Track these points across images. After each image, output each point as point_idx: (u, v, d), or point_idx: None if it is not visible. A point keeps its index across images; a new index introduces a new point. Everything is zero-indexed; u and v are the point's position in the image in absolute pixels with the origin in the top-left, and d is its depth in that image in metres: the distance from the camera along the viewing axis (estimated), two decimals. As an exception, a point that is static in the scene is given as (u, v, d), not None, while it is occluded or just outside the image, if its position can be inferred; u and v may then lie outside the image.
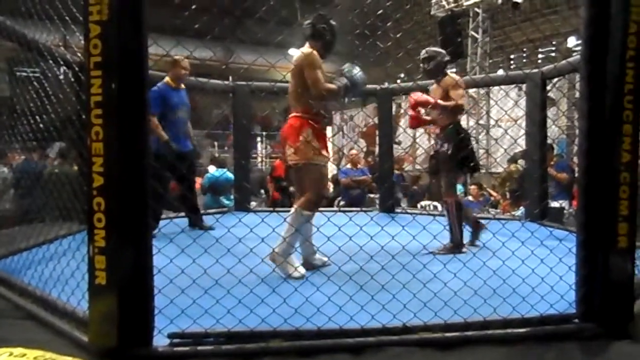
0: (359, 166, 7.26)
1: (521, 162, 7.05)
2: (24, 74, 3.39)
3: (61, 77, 3.48)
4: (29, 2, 2.44)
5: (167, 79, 4.26)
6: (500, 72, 10.50)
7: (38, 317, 2.05)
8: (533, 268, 2.27)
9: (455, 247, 3.25)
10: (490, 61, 11.07)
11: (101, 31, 1.57)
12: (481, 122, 10.34)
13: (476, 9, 10.66)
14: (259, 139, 15.33)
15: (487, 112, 9.56)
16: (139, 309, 1.71)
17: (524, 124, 4.98)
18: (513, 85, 6.25)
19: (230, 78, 7.05)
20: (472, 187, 8.11)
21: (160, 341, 1.74)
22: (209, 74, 6.58)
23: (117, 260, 1.68)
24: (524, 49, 12.41)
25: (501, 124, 8.14)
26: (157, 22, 1.87)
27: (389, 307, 1.99)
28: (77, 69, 3.27)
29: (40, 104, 3.04)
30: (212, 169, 7.16)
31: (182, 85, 4.35)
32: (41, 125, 3.13)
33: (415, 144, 10.71)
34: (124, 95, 1.61)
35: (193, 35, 2.30)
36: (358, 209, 5.61)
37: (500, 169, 8.57)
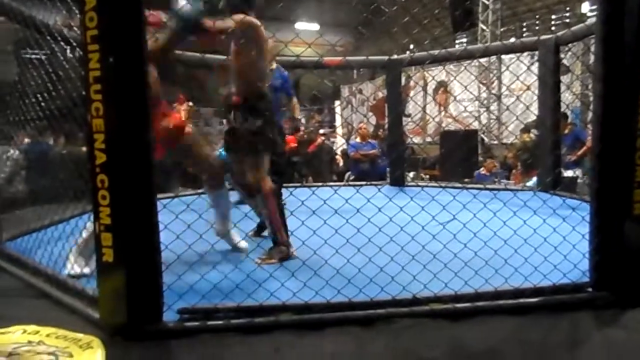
0: (367, 139, 7.20)
1: (534, 131, 6.94)
2: (31, 56, 3.36)
3: (65, 56, 3.45)
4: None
5: None
6: (512, 39, 10.27)
7: (50, 295, 2.07)
8: (545, 237, 2.23)
9: (282, 246, 2.61)
10: (503, 29, 10.80)
11: (96, 3, 1.53)
12: (493, 91, 10.17)
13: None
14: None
15: (499, 80, 9.38)
16: (147, 286, 1.71)
17: (537, 92, 4.87)
18: (526, 53, 6.10)
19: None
20: (488, 160, 8.01)
21: (170, 317, 1.74)
22: (216, 50, 6.49)
23: (124, 237, 1.67)
24: (537, 15, 12.09)
25: (513, 92, 8.00)
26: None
27: (398, 279, 1.97)
28: (76, 45, 3.24)
29: (47, 85, 3.02)
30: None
31: (272, 66, 4.20)
32: (49, 106, 3.12)
33: (426, 116, 10.61)
34: (123, 69, 1.58)
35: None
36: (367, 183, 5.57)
37: (512, 139, 8.45)
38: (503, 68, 8.87)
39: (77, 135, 4.41)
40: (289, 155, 8.81)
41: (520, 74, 4.52)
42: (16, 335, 1.73)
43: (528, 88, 4.63)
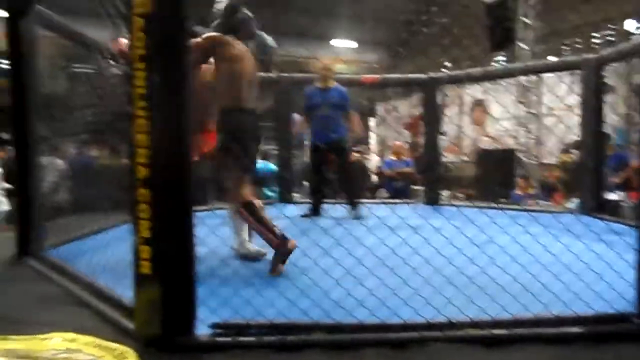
0: (402, 157, 7.15)
1: (575, 152, 6.75)
2: (78, 70, 3.50)
3: (111, 72, 3.58)
4: (83, 1, 2.51)
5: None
6: (552, 58, 10.06)
7: (88, 303, 2.12)
8: (588, 263, 2.15)
9: (279, 249, 2.58)
10: (543, 47, 10.59)
11: (144, 24, 1.59)
12: (531, 110, 9.95)
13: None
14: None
15: (538, 100, 9.18)
16: (182, 299, 1.74)
17: (578, 112, 4.74)
18: (567, 72, 5.97)
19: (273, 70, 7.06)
20: (521, 180, 7.83)
21: (202, 331, 1.75)
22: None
23: (161, 250, 1.70)
24: (578, 34, 11.82)
25: (553, 111, 7.82)
26: (199, 15, 1.88)
27: (433, 302, 1.93)
28: (123, 63, 3.36)
29: (93, 98, 3.14)
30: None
31: (331, 84, 4.66)
32: (94, 120, 3.23)
33: (462, 135, 10.47)
34: (167, 87, 1.62)
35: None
36: (402, 200, 5.52)
37: (552, 160, 8.23)
38: (543, 87, 8.69)
39: (118, 148, 4.54)
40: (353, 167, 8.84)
41: (562, 95, 4.41)
42: (55, 341, 1.78)
43: (570, 108, 4.52)
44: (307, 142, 4.07)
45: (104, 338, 1.78)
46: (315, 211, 4.66)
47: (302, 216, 4.42)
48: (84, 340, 1.78)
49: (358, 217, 4.36)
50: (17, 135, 3.06)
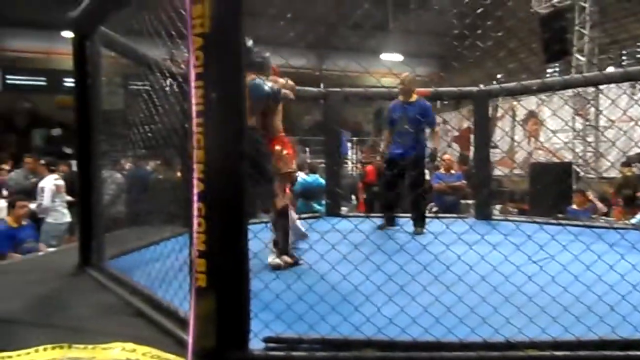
0: (452, 171, 7.01)
1: (638, 165, 6.42)
2: (136, 87, 3.65)
3: (167, 89, 3.71)
4: (140, 21, 2.62)
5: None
6: (611, 69, 9.65)
7: (145, 314, 2.18)
8: (658, 284, 2.03)
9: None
10: (601, 57, 10.19)
11: (203, 43, 1.64)
12: (589, 122, 9.57)
13: (582, 3, 9.90)
14: (349, 144, 15.38)
15: (598, 111, 8.81)
16: (236, 312, 1.75)
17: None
18: (628, 83, 5.71)
19: (322, 85, 7.14)
20: (577, 194, 7.49)
21: (255, 344, 1.76)
22: (303, 81, 6.73)
23: (217, 263, 1.73)
24: (638, 43, 11.29)
25: (613, 123, 7.47)
26: (254, 33, 1.92)
27: (491, 321, 1.87)
28: (181, 80, 3.48)
29: (150, 114, 3.26)
30: (302, 175, 7.28)
31: (413, 98, 4.69)
32: (150, 134, 3.35)
33: (514, 148, 10.18)
34: (224, 104, 1.66)
35: (288, 44, 2.33)
36: (453, 215, 5.40)
37: (613, 174, 7.85)
38: (601, 98, 8.34)
39: (174, 163, 4.69)
40: (369, 185, 8.80)
41: (624, 106, 4.21)
42: (116, 351, 1.83)
43: (633, 120, 4.30)
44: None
45: (160, 349, 1.82)
46: (389, 221, 4.68)
47: (378, 228, 4.45)
48: (142, 351, 1.83)
49: (420, 233, 4.35)
50: (80, 150, 3.21)
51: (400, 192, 4.75)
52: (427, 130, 4.76)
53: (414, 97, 4.73)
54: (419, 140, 4.62)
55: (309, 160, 7.93)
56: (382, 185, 5.08)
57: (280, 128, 3.41)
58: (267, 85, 3.17)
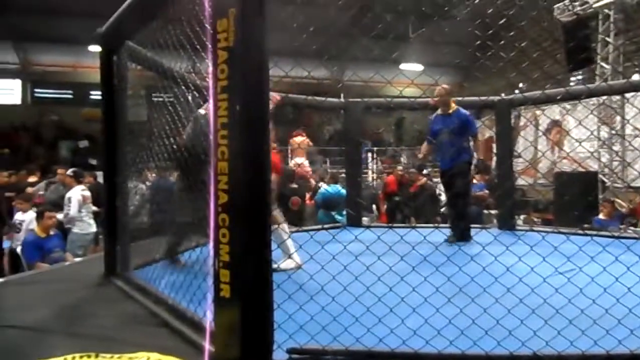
0: (474, 181, 6.94)
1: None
2: (160, 99, 3.71)
3: (191, 101, 3.77)
4: (165, 34, 2.68)
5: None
6: (636, 76, 9.47)
7: (170, 324, 2.20)
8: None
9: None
10: (626, 64, 10.00)
11: (228, 57, 1.66)
12: (615, 130, 9.38)
13: (607, 10, 9.76)
14: (370, 154, 15.38)
15: (623, 118, 8.63)
16: (260, 323, 1.76)
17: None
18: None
19: (342, 96, 7.17)
20: (604, 203, 7.34)
21: (279, 355, 1.76)
22: (326, 92, 6.77)
23: (240, 274, 1.74)
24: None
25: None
26: (277, 46, 1.94)
27: (517, 334, 1.84)
28: (205, 93, 3.53)
29: (174, 126, 3.31)
30: (324, 185, 7.29)
31: (451, 109, 4.72)
32: (174, 146, 3.39)
33: (537, 156, 10.02)
34: (248, 117, 1.68)
35: (311, 56, 2.35)
36: (477, 225, 5.34)
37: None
38: (627, 106, 8.18)
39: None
40: (390, 195, 8.75)
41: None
42: (141, 361, 1.85)
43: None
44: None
45: (185, 359, 1.84)
46: (463, 236, 4.49)
47: (447, 240, 4.35)
48: (166, 361, 1.85)
49: (452, 242, 4.32)
50: (107, 161, 3.27)
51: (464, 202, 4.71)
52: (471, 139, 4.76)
53: (453, 108, 4.74)
54: (462, 150, 4.62)
55: (329, 171, 7.94)
56: (447, 199, 5.06)
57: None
58: None
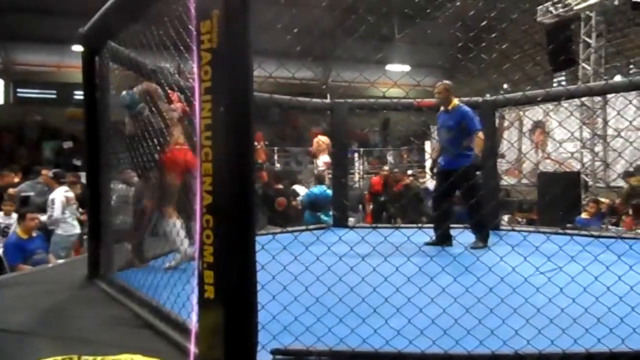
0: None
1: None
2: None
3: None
4: (149, 35, 2.66)
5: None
6: (618, 77, 9.63)
7: (154, 326, 2.19)
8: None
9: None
10: (607, 66, 10.17)
11: (211, 58, 1.66)
12: (596, 131, 9.53)
13: (588, 13, 9.91)
14: (356, 155, 15.44)
15: (604, 120, 8.78)
16: (244, 324, 1.75)
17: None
18: (635, 92, 5.70)
19: (329, 96, 7.18)
20: (590, 204, 7.45)
21: (263, 357, 1.77)
22: (310, 93, 6.76)
23: (224, 275, 1.74)
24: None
25: (620, 132, 7.44)
26: (262, 46, 1.94)
27: (498, 333, 1.86)
28: (189, 94, 3.52)
29: (157, 128, 3.29)
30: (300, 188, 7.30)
31: (453, 106, 4.57)
32: (157, 147, 3.37)
33: (522, 157, 10.14)
34: (232, 118, 1.68)
35: (295, 57, 2.36)
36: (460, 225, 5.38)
37: (621, 183, 7.81)
38: (608, 108, 8.32)
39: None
40: (376, 196, 8.79)
41: (630, 115, 4.19)
42: (124, 363, 1.84)
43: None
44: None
45: (169, 361, 1.83)
46: (443, 239, 4.29)
47: (427, 244, 3.99)
48: (150, 363, 1.84)
49: (477, 247, 3.92)
50: (89, 162, 3.24)
51: (450, 205, 4.63)
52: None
53: (453, 104, 4.56)
54: (463, 150, 4.37)
55: (316, 172, 7.94)
56: (432, 199, 4.83)
57: (178, 139, 3.64)
58: (127, 95, 3.46)
